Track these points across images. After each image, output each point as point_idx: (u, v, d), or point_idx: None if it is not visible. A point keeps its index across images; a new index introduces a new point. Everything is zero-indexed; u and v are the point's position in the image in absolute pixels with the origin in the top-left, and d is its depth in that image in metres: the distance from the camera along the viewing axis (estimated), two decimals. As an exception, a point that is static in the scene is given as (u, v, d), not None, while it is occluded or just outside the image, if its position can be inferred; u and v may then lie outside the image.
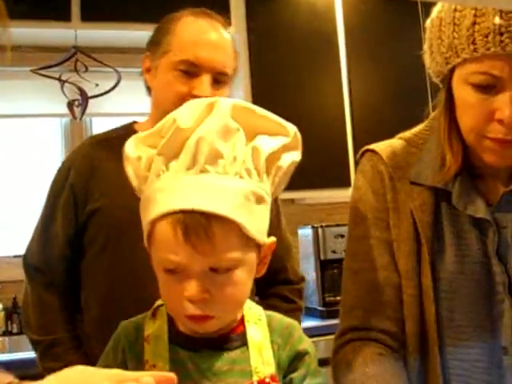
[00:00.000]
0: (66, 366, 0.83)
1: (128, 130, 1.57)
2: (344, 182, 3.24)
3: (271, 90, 3.11)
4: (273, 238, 0.95)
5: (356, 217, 1.16)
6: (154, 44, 1.52)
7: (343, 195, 3.31)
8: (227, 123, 0.89)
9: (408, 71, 3.37)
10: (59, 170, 1.58)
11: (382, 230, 1.12)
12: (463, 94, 1.03)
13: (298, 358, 0.97)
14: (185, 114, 0.90)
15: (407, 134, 1.19)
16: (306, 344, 0.99)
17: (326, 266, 3.09)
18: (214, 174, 0.87)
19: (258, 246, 0.92)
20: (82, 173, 1.52)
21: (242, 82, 3.15)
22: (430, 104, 1.19)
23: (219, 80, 1.48)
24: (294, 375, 0.96)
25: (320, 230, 3.05)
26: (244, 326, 0.96)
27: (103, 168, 1.51)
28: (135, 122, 1.62)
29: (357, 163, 1.23)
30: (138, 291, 1.44)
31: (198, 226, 0.84)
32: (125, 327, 0.99)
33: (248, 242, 0.90)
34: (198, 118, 0.90)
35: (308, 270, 3.12)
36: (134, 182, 0.95)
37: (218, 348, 0.93)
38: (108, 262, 1.47)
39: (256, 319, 0.98)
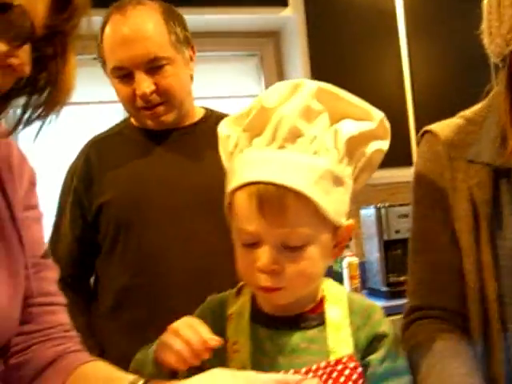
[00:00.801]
0: None
1: (127, 124, 1.62)
2: (406, 161, 3.19)
3: (330, 68, 3.08)
4: (350, 221, 0.96)
5: (416, 198, 1.18)
6: (98, 59, 1.56)
7: (405, 174, 3.25)
8: (310, 104, 0.92)
9: (469, 47, 3.29)
10: (65, 177, 1.65)
11: (440, 210, 1.12)
12: None
13: (376, 340, 0.96)
14: (270, 95, 0.94)
15: (467, 112, 1.18)
16: (386, 326, 0.98)
17: (390, 247, 3.06)
18: (292, 150, 0.90)
19: (334, 228, 0.93)
20: (83, 177, 1.58)
21: (300, 61, 3.14)
22: (494, 80, 1.16)
23: (155, 66, 1.48)
24: (372, 357, 0.95)
25: (383, 210, 3.02)
26: (324, 306, 0.98)
27: (105, 166, 1.56)
28: (130, 116, 1.65)
29: (418, 145, 1.23)
30: (150, 280, 1.47)
31: (272, 197, 0.87)
32: (211, 302, 1.02)
33: (323, 221, 0.91)
34: (283, 98, 0.93)
35: (371, 250, 3.11)
36: (224, 160, 1.00)
37: (296, 326, 0.95)
38: (120, 254, 1.51)
39: (337, 299, 0.99)
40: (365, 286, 3.16)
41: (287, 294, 0.93)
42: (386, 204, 3.07)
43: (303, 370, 0.90)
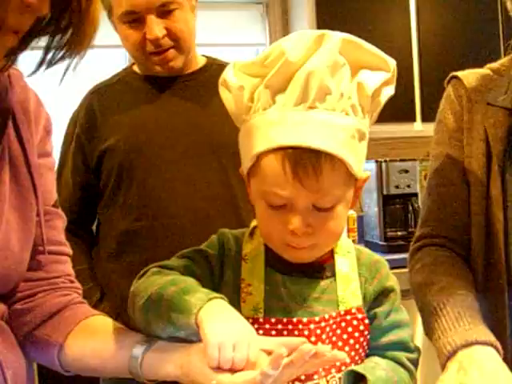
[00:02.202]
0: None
1: (128, 72, 1.62)
2: (409, 117, 3.18)
3: (336, 18, 3.03)
4: (368, 173, 0.97)
5: (437, 137, 1.25)
6: (104, 4, 1.54)
7: (407, 130, 3.25)
8: (336, 58, 0.89)
9: (478, 1, 3.24)
10: (68, 125, 1.65)
11: (455, 149, 1.20)
12: None
13: (384, 293, 0.99)
14: (294, 47, 0.89)
15: (494, 64, 1.25)
16: (393, 281, 1.01)
17: (389, 201, 3.08)
18: (322, 110, 0.88)
19: (356, 181, 0.94)
20: (85, 124, 1.58)
21: (306, 11, 3.09)
22: (501, 34, 1.22)
23: (166, 10, 1.48)
24: (379, 310, 0.97)
25: (384, 165, 3.02)
26: (333, 258, 0.99)
27: (108, 112, 1.56)
28: (133, 63, 1.65)
29: (445, 88, 1.28)
30: (152, 224, 1.49)
31: (307, 162, 0.86)
32: (226, 236, 1.00)
33: (350, 179, 0.91)
34: (308, 51, 0.89)
35: (370, 204, 3.12)
36: (233, 110, 0.96)
37: (310, 275, 0.96)
38: (122, 199, 1.52)
39: (345, 252, 1.00)
40: (362, 239, 3.18)
41: (314, 252, 0.94)
42: (387, 159, 3.07)
43: (317, 318, 0.92)
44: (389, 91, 0.95)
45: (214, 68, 1.60)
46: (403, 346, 0.98)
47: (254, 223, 1.02)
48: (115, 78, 1.65)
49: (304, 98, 0.88)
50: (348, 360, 0.78)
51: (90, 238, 1.65)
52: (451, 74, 1.26)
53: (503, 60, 1.24)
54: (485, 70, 1.23)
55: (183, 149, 1.52)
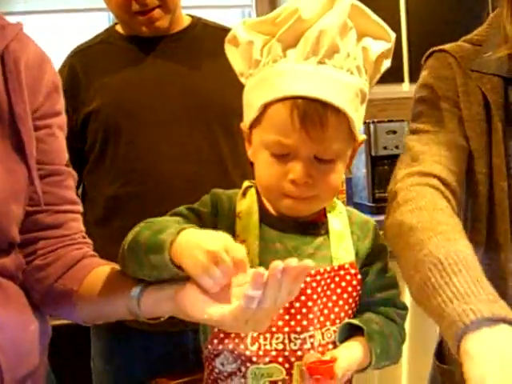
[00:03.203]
0: None
1: (111, 33, 1.59)
2: (397, 78, 3.16)
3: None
4: (364, 136, 1.00)
5: (422, 96, 1.19)
6: None
7: (395, 91, 3.24)
8: (346, 21, 0.94)
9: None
10: None
11: (451, 105, 1.15)
12: None
13: (375, 252, 1.03)
14: (307, 5, 0.93)
15: (469, 36, 1.22)
16: (383, 241, 1.05)
17: (377, 162, 3.08)
18: (330, 66, 0.92)
19: (354, 142, 0.99)
20: (67, 87, 1.52)
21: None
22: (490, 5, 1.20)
23: None
24: (370, 267, 1.02)
25: (372, 126, 3.00)
26: (326, 217, 1.02)
27: (91, 74, 1.53)
28: (116, 24, 1.62)
29: (424, 64, 1.24)
30: (140, 188, 1.48)
31: (315, 113, 0.90)
32: (219, 196, 1.02)
33: (351, 136, 0.96)
34: (320, 10, 0.93)
35: (358, 165, 3.12)
36: (240, 66, 0.99)
37: (305, 232, 0.99)
38: (109, 163, 1.51)
39: (337, 212, 1.04)
40: (351, 201, 3.19)
41: (312, 206, 0.98)
42: (375, 120, 3.06)
43: (312, 271, 0.95)
44: (386, 64, 1.00)
45: (200, 27, 1.59)
46: (392, 302, 1.03)
47: (246, 184, 1.04)
48: (98, 39, 1.61)
49: (314, 53, 0.92)
50: (312, 264, 0.78)
51: None
52: (432, 49, 1.23)
53: (478, 30, 1.22)
54: (463, 43, 1.21)
55: (171, 111, 1.50)
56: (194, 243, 0.80)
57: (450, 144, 1.12)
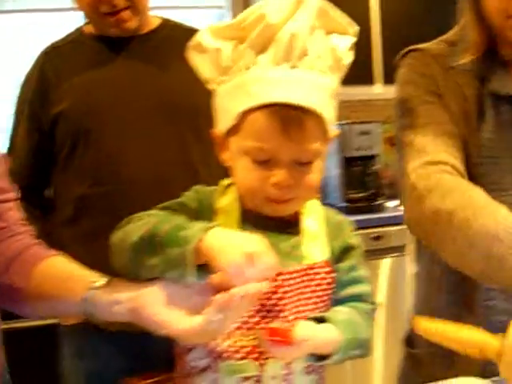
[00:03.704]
0: None
1: (81, 32, 1.58)
2: (368, 79, 3.19)
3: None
4: (336, 130, 1.02)
5: (405, 96, 1.22)
6: None
7: (367, 92, 3.27)
8: (314, 21, 0.94)
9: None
10: (20, 88, 1.61)
11: (438, 98, 1.18)
12: None
13: (347, 250, 1.04)
14: (274, 9, 0.93)
15: (444, 37, 1.26)
16: (356, 240, 1.06)
17: (350, 163, 3.10)
18: (303, 69, 0.94)
19: (329, 139, 1.00)
20: (37, 88, 1.54)
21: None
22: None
23: None
24: (342, 265, 1.03)
25: (344, 127, 3.02)
26: (302, 216, 1.03)
27: (61, 75, 1.53)
28: (87, 23, 1.61)
29: (398, 64, 1.27)
30: (109, 188, 1.48)
31: (295, 118, 0.92)
32: (199, 192, 1.03)
33: (327, 135, 0.98)
34: (287, 13, 0.94)
35: (331, 166, 3.14)
36: (208, 73, 0.99)
37: (283, 231, 1.01)
38: (78, 163, 1.50)
39: (313, 212, 1.05)
40: (324, 201, 3.21)
41: (294, 206, 1.00)
42: (348, 121, 3.09)
43: (290, 269, 0.97)
44: (351, 56, 1.01)
45: (169, 28, 1.59)
46: (362, 299, 1.04)
47: (225, 182, 1.05)
48: (68, 39, 1.60)
49: (286, 58, 0.93)
50: (267, 286, 0.85)
51: (44, 203, 1.63)
52: (408, 48, 1.26)
53: (453, 31, 1.26)
54: (438, 43, 1.25)
55: (139, 111, 1.50)
56: (232, 242, 0.85)
57: (448, 133, 1.15)
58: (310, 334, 0.91)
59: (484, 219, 0.99)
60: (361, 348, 1.00)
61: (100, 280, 0.92)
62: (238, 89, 0.95)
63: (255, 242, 0.87)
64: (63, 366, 1.61)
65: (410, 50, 1.25)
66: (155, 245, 0.88)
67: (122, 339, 1.46)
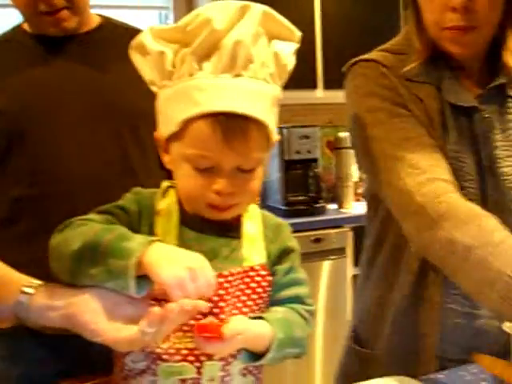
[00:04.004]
0: None
1: (18, 31, 1.55)
2: (311, 84, 3.23)
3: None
4: (277, 136, 1.02)
5: (373, 104, 1.20)
6: None
7: (308, 97, 3.31)
8: (258, 29, 0.94)
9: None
10: None
11: (405, 110, 1.19)
12: None
13: (285, 252, 1.05)
14: (219, 15, 0.92)
15: (387, 45, 1.27)
16: (294, 242, 1.07)
17: (290, 167, 3.13)
18: (247, 78, 0.93)
19: (271, 146, 1.01)
20: None
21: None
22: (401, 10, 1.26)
23: None
24: (279, 267, 1.04)
25: (285, 131, 3.06)
26: (241, 220, 1.03)
27: None
28: (24, 22, 1.56)
29: (346, 74, 1.27)
30: (45, 190, 1.46)
31: (238, 128, 0.91)
32: (139, 194, 1.03)
33: (269, 142, 0.98)
34: (233, 20, 0.93)
35: (272, 169, 3.16)
36: (150, 75, 0.98)
37: (222, 234, 1.01)
38: (13, 164, 1.46)
39: (251, 215, 1.05)
40: (264, 204, 3.23)
41: (235, 211, 0.99)
42: (288, 125, 3.12)
43: (225, 272, 0.97)
44: (293, 62, 1.01)
45: (110, 28, 1.56)
46: (300, 301, 1.05)
47: (165, 184, 1.04)
48: (3, 38, 1.56)
49: (231, 66, 0.92)
50: (207, 306, 0.88)
51: None
52: (355, 59, 1.25)
53: (395, 40, 1.27)
54: (383, 53, 1.24)
55: (76, 112, 1.47)
56: (175, 258, 0.87)
57: (431, 146, 1.16)
58: (241, 328, 0.92)
59: (502, 260, 1.00)
60: (296, 347, 1.01)
61: (34, 284, 0.91)
62: (180, 95, 0.94)
63: (196, 259, 0.88)
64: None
65: (360, 60, 1.25)
66: (97, 254, 0.88)
67: (57, 342, 1.43)
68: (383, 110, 1.19)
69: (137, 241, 0.88)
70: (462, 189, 1.14)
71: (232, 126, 0.91)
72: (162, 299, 0.89)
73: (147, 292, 0.88)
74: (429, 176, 1.12)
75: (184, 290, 0.85)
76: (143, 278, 0.87)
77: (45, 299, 0.88)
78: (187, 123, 0.93)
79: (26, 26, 1.54)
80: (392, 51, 1.25)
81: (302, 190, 3.16)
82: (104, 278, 0.88)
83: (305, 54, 3.20)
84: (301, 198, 3.16)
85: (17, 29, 1.56)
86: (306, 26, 3.18)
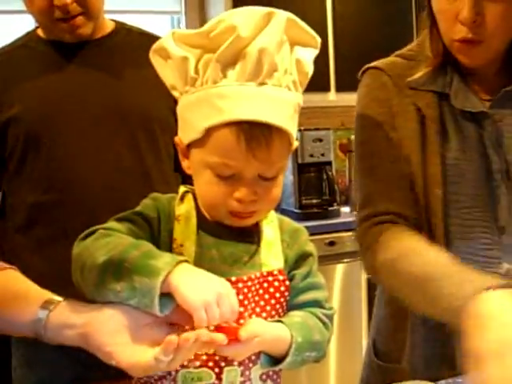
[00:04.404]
0: None
1: (32, 36, 1.55)
2: (324, 87, 3.22)
3: None
4: (297, 143, 1.02)
5: (361, 123, 1.26)
6: None
7: (322, 99, 3.30)
8: (282, 36, 0.94)
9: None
10: None
11: (388, 130, 1.21)
12: (435, 2, 1.15)
13: (302, 257, 1.05)
14: (244, 22, 0.91)
15: (403, 50, 1.28)
16: (311, 247, 1.07)
17: (304, 170, 3.13)
18: (271, 86, 0.93)
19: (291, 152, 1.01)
20: None
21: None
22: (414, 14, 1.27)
23: None
24: (297, 271, 1.03)
25: (298, 134, 3.05)
26: (259, 225, 1.03)
27: (11, 79, 1.49)
28: (37, 27, 1.57)
29: (359, 82, 1.30)
30: (61, 196, 1.46)
31: (261, 136, 0.91)
32: (158, 200, 1.02)
33: (290, 150, 0.99)
34: (258, 27, 0.92)
35: (286, 173, 3.15)
36: (172, 80, 0.97)
37: (241, 240, 1.01)
38: (29, 170, 1.47)
39: (269, 220, 1.05)
40: (278, 207, 3.22)
41: (255, 218, 1.00)
42: (302, 128, 3.11)
43: (245, 277, 0.97)
44: (313, 67, 1.01)
45: (124, 33, 1.57)
46: (318, 305, 1.04)
47: (182, 189, 1.04)
48: (18, 43, 1.57)
49: (256, 74, 0.92)
50: (225, 342, 0.87)
51: None
52: (366, 66, 1.28)
53: (411, 46, 1.28)
54: (397, 58, 1.27)
55: (91, 118, 1.48)
56: (202, 281, 0.87)
57: (398, 175, 1.19)
58: (258, 330, 0.91)
59: (417, 265, 1.06)
60: (315, 350, 1.01)
61: (54, 300, 0.90)
62: (203, 102, 0.93)
63: (222, 284, 0.89)
64: (15, 375, 1.57)
65: (369, 68, 1.27)
66: (122, 270, 0.87)
67: (74, 348, 1.44)
68: (368, 131, 1.24)
69: (164, 260, 0.87)
70: (465, 196, 1.17)
71: (256, 134, 0.91)
72: (178, 324, 0.89)
73: (169, 313, 0.88)
74: (373, 211, 1.19)
75: (209, 314, 0.84)
76: (167, 297, 0.86)
77: (63, 316, 0.88)
78: (210, 131, 0.92)
79: (40, 32, 1.55)
80: (405, 56, 1.26)
81: (316, 193, 3.16)
82: (128, 294, 0.88)
83: (317, 57, 3.18)
84: (314, 201, 3.16)
85: (31, 34, 1.57)
86: (318, 28, 3.14)
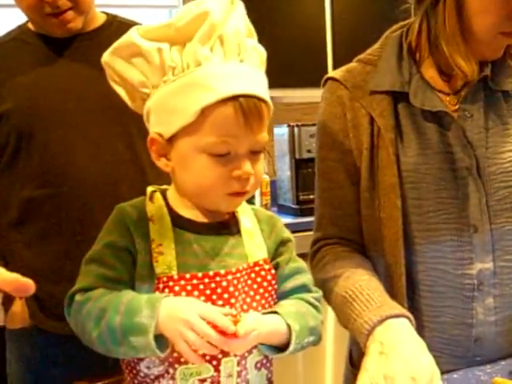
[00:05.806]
0: None
1: (23, 29, 1.54)
2: (320, 82, 3.21)
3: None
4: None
5: (319, 140, 1.30)
6: None
7: (319, 95, 3.29)
8: (247, 20, 1.00)
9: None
10: None
11: (338, 152, 1.25)
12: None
13: (282, 244, 1.08)
14: (214, 7, 0.95)
15: (363, 55, 1.30)
16: (288, 233, 1.10)
17: (301, 165, 3.12)
18: (247, 64, 0.97)
19: None
20: None
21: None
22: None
23: None
24: (280, 259, 1.06)
25: (296, 129, 3.04)
26: (235, 216, 1.05)
27: (2, 72, 1.48)
28: (27, 22, 1.56)
29: (323, 90, 1.34)
30: (55, 191, 1.45)
31: (255, 108, 0.95)
32: (123, 209, 1.02)
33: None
34: (227, 12, 0.97)
35: (283, 168, 3.15)
36: (142, 77, 0.98)
37: (219, 233, 1.02)
38: (22, 165, 1.47)
39: (244, 210, 1.06)
40: (275, 203, 3.22)
41: (246, 198, 1.02)
42: (299, 123, 3.10)
43: (233, 269, 0.99)
44: None
45: (116, 26, 1.56)
46: (306, 289, 1.07)
47: (150, 189, 1.05)
48: (8, 37, 1.55)
49: (235, 53, 0.96)
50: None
51: None
52: (326, 76, 1.31)
53: (370, 50, 1.30)
54: (356, 64, 1.29)
55: (84, 112, 1.47)
56: (172, 314, 0.90)
57: (342, 202, 1.25)
58: (254, 324, 0.92)
59: (340, 286, 1.16)
60: (312, 335, 1.03)
61: None
62: (191, 86, 0.94)
63: (191, 307, 0.91)
64: (9, 369, 1.57)
65: (328, 79, 1.30)
66: (117, 338, 0.91)
67: (69, 343, 1.43)
68: (322, 151, 1.28)
69: (145, 314, 0.90)
70: (427, 200, 1.17)
71: (251, 107, 0.94)
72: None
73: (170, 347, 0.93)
74: (322, 235, 1.28)
75: (189, 341, 0.89)
76: (163, 336, 0.91)
77: None
78: (205, 111, 0.93)
79: (31, 25, 1.54)
80: (364, 61, 1.28)
81: (313, 188, 3.14)
82: (133, 353, 0.93)
83: (314, 53, 3.19)
84: (312, 196, 3.13)
85: (23, 27, 1.56)
86: (315, 24, 3.17)
